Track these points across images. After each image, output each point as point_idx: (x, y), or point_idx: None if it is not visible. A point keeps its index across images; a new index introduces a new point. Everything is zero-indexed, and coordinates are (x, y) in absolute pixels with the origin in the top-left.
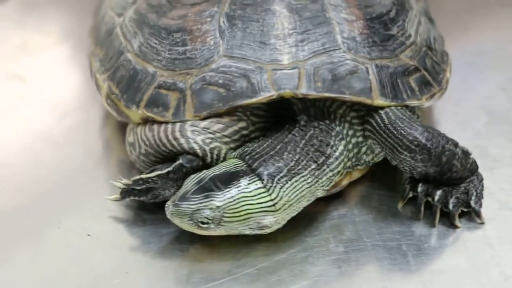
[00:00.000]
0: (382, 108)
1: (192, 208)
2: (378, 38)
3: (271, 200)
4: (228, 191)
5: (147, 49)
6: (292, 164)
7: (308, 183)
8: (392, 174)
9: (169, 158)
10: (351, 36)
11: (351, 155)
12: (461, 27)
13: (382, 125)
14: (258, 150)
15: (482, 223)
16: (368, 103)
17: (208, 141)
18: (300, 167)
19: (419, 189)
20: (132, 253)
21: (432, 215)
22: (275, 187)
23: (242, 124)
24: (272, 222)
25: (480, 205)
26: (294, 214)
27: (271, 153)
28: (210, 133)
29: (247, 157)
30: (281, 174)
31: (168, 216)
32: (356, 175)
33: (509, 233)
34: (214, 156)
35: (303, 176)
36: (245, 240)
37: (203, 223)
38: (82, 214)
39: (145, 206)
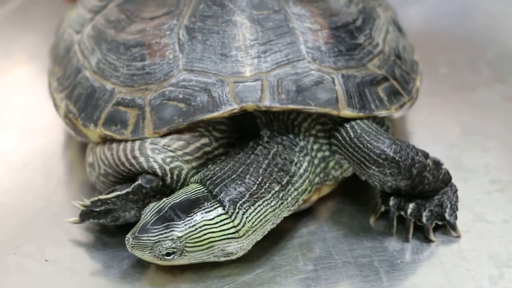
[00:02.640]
0: (348, 121)
1: (153, 240)
2: (344, 48)
3: (234, 227)
4: (189, 220)
5: (105, 66)
6: (254, 188)
7: (272, 206)
8: (363, 189)
9: (129, 178)
10: (315, 46)
11: (318, 170)
12: (431, 38)
13: (347, 139)
14: (219, 174)
15: (458, 237)
16: (335, 114)
17: (168, 160)
18: (263, 190)
19: (391, 202)
20: (92, 277)
21: (405, 229)
22: (237, 213)
23: (204, 140)
24: (237, 248)
25: (455, 218)
26: (259, 239)
27: (232, 176)
28: (170, 151)
29: (208, 182)
30: (243, 200)
31: (129, 249)
32: (325, 190)
33: (485, 246)
34: (175, 176)
35: (266, 200)
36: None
37: (165, 254)
38: (40, 238)
39: (106, 229)
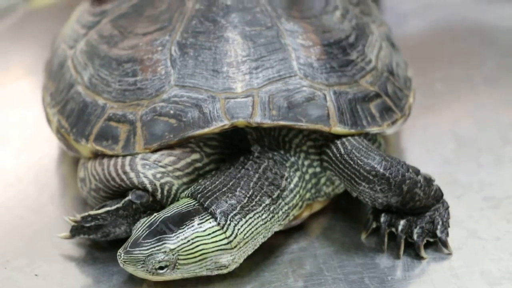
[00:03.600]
0: (339, 137)
1: (145, 253)
2: (337, 64)
3: (226, 238)
4: (181, 233)
5: (97, 81)
6: (245, 200)
7: (263, 219)
8: (355, 205)
9: (119, 193)
10: (307, 62)
11: (309, 186)
12: (428, 53)
13: (338, 155)
14: (210, 187)
15: (449, 254)
16: (326, 130)
17: (159, 175)
18: (254, 203)
19: (382, 219)
20: None
21: (397, 246)
22: (229, 224)
23: (195, 156)
24: (230, 260)
25: (447, 235)
26: (250, 252)
27: (223, 190)
28: (161, 166)
29: (199, 195)
30: (234, 212)
31: (121, 265)
32: (316, 207)
33: (477, 264)
34: (165, 192)
35: (257, 213)
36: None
37: (157, 268)
38: (30, 253)
39: (97, 244)
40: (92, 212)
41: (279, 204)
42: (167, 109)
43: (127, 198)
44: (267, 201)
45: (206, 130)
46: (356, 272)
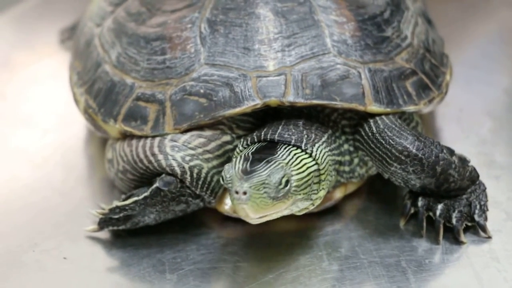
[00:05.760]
0: (373, 116)
1: (265, 173)
2: (371, 41)
3: (313, 158)
4: (281, 153)
5: (125, 60)
6: (305, 136)
7: (326, 151)
8: (391, 186)
9: (146, 176)
10: (341, 39)
11: (343, 159)
12: (465, 29)
13: (370, 134)
14: (264, 132)
15: (489, 238)
16: (361, 109)
17: (188, 158)
18: (313, 137)
19: (419, 203)
20: (110, 276)
21: (435, 231)
22: (306, 148)
23: (226, 138)
24: (320, 181)
25: (485, 219)
26: (329, 185)
27: (278, 131)
28: (190, 149)
29: (262, 137)
30: (304, 142)
31: (242, 202)
32: (351, 188)
33: None
34: (194, 175)
35: (320, 145)
36: (231, 260)
37: (282, 186)
38: (59, 236)
39: None
40: (119, 204)
41: (332, 148)
42: (197, 88)
43: (154, 186)
44: (323, 139)
45: (237, 109)
46: (393, 255)
